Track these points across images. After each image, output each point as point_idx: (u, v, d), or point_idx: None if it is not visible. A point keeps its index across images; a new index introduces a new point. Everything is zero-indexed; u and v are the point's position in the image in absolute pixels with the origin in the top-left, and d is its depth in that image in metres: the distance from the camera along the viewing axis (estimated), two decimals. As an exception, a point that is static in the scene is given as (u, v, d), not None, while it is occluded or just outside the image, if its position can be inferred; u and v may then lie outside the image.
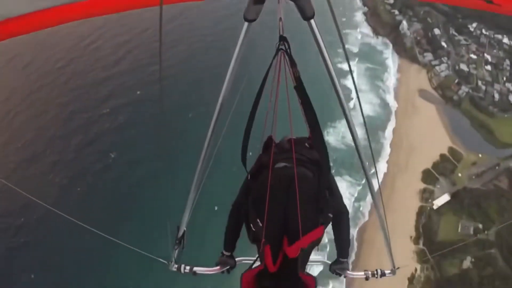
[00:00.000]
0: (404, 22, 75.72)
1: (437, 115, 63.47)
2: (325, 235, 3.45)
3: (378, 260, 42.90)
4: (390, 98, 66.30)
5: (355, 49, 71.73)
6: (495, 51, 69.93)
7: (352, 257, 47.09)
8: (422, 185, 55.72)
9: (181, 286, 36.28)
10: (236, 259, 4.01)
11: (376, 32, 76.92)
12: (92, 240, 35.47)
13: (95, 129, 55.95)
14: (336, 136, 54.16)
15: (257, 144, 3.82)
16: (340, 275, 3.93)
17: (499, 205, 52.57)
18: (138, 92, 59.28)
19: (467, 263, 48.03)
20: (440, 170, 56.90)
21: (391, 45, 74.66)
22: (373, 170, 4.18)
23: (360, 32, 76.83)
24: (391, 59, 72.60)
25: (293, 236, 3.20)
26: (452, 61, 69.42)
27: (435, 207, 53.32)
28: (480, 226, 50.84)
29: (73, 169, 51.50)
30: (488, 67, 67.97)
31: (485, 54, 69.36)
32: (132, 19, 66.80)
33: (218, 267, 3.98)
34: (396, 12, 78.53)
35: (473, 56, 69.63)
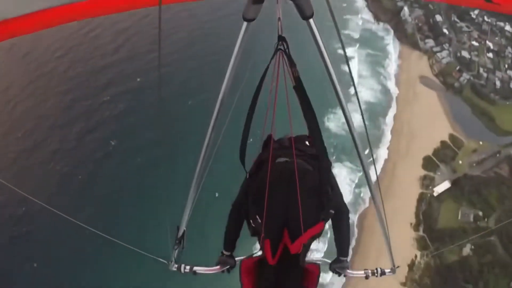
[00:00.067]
0: (406, 8, 75.08)
1: (438, 102, 63.36)
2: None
3: (378, 246, 43.26)
4: (391, 85, 66.17)
5: (356, 35, 71.47)
6: (497, 38, 69.47)
7: (353, 243, 47.38)
8: (423, 172, 55.84)
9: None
10: (236, 258, 4.00)
11: (377, 18, 76.39)
12: (94, 228, 35.60)
13: (95, 117, 55.96)
14: (336, 122, 54.04)
15: (256, 144, 3.83)
16: (340, 274, 3.93)
17: (500, 192, 52.78)
18: (138, 79, 59.14)
19: (467, 250, 48.31)
20: (440, 157, 56.98)
21: (392, 31, 74.22)
22: (373, 173, 4.17)
23: (361, 18, 76.38)
24: (392, 45, 72.27)
25: (294, 229, 3.27)
26: (454, 48, 69.07)
27: (435, 194, 53.49)
28: (480, 213, 51.02)
29: (74, 157, 51.62)
30: (490, 54, 67.65)
31: (487, 41, 68.92)
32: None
33: (218, 267, 4.00)
34: (398, -3, 77.84)
35: (475, 43, 69.23)
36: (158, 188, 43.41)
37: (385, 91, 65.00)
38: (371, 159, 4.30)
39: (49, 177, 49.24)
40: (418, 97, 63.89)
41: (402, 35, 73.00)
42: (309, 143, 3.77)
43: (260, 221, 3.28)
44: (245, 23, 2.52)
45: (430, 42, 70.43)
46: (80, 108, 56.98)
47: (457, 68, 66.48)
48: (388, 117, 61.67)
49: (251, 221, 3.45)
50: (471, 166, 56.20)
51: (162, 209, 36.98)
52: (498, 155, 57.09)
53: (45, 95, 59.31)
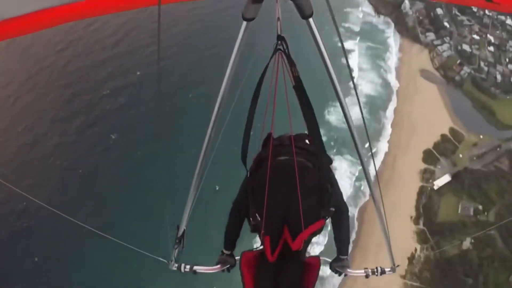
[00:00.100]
0: (406, 1, 74.84)
1: (439, 96, 63.28)
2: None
3: (378, 240, 43.33)
4: (391, 78, 66.08)
5: (357, 28, 71.38)
6: (498, 32, 69.25)
7: (353, 236, 47.51)
8: (423, 165, 55.85)
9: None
10: (236, 258, 4.00)
11: (377, 11, 76.25)
12: (94, 223, 35.73)
13: (95, 111, 55.90)
14: (337, 115, 53.90)
15: (256, 138, 3.83)
16: (340, 273, 3.92)
17: (500, 186, 52.86)
18: (138, 73, 59.01)
19: (466, 244, 48.41)
20: (441, 150, 56.99)
21: (393, 24, 74.05)
22: (373, 173, 4.18)
23: (362, 11, 76.27)
24: (393, 39, 72.13)
25: (294, 226, 3.29)
26: (455, 42, 68.86)
27: (435, 187, 53.53)
28: (480, 207, 51.10)
29: (74, 151, 51.62)
30: (491, 48, 67.46)
31: (488, 35, 68.70)
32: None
33: (218, 266, 4.01)
34: (398, -10, 77.44)
35: (476, 37, 69.00)
36: (158, 181, 43.48)
37: (386, 84, 64.85)
38: (370, 154, 4.30)
39: (50, 171, 49.30)
40: (419, 91, 63.77)
41: (402, 28, 72.83)
42: (309, 141, 3.78)
43: (260, 219, 3.30)
44: (244, 23, 2.51)
45: (431, 36, 70.21)
46: (80, 102, 56.89)
47: (458, 61, 66.26)
48: (389, 111, 61.57)
49: (251, 218, 3.44)
50: (471, 160, 56.21)
51: (163, 202, 37.06)
52: (498, 149, 57.08)
53: (45, 89, 59.22)
